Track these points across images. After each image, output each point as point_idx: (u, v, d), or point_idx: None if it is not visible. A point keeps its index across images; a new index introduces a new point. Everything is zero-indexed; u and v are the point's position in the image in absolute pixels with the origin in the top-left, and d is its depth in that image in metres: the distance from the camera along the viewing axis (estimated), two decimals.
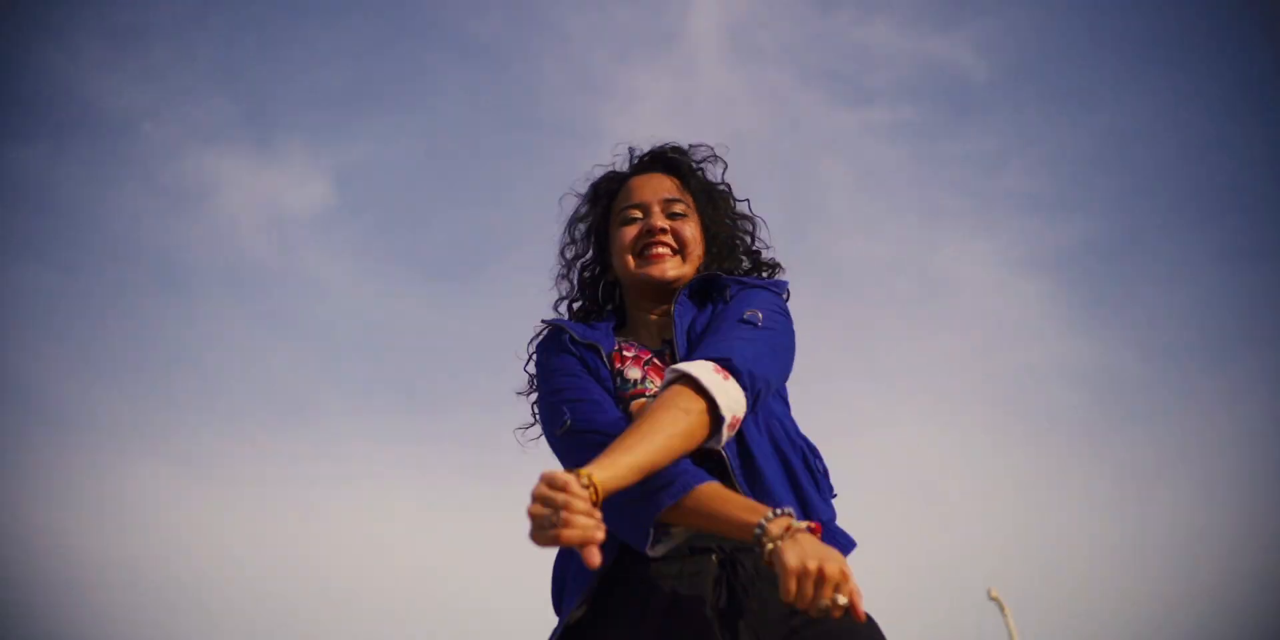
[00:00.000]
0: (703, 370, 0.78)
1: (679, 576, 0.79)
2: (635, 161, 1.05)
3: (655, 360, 0.92)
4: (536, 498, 0.66)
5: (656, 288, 0.96)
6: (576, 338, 0.93)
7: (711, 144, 1.05)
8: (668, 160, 1.03)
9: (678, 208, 0.98)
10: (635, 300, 0.99)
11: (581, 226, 1.04)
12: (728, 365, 0.80)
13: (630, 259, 0.97)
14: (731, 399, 0.78)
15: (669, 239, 0.96)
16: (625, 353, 0.92)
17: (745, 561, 0.79)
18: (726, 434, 0.79)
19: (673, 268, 0.96)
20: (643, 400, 0.87)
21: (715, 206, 1.01)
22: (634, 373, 0.90)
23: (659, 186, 1.00)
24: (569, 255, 1.04)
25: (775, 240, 1.05)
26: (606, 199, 1.03)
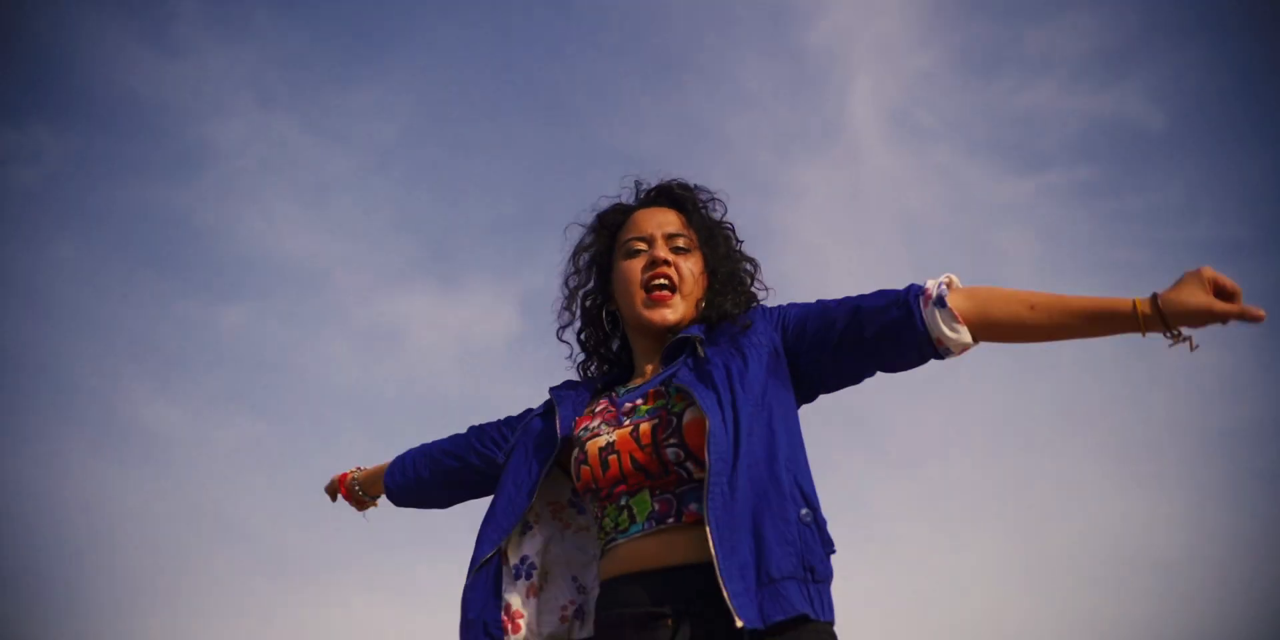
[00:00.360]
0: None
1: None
2: (641, 195, 1.07)
3: (614, 407, 0.94)
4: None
5: (658, 329, 0.97)
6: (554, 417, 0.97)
7: (713, 190, 1.06)
8: (673, 195, 1.04)
9: (681, 242, 0.99)
10: (635, 335, 1.01)
11: (585, 256, 1.05)
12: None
13: (637, 294, 0.97)
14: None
15: (671, 272, 0.97)
16: (593, 411, 0.95)
17: (698, 626, 0.76)
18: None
19: (672, 312, 0.96)
20: (599, 440, 0.89)
21: (716, 244, 1.01)
22: (594, 422, 0.93)
23: (663, 220, 1.01)
24: (572, 284, 1.06)
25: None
26: (611, 230, 1.05)
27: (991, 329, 0.81)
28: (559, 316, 1.07)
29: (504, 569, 0.91)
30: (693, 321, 0.97)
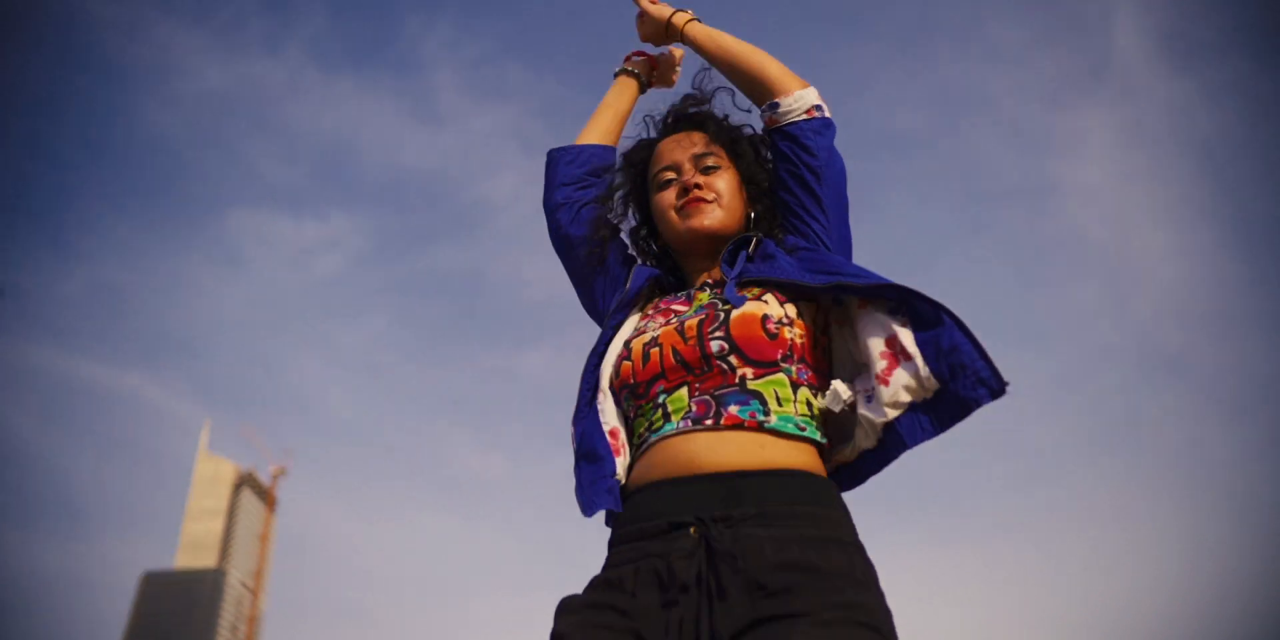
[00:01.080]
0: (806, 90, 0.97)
1: (660, 555, 0.74)
2: (660, 125, 1.05)
3: (674, 307, 0.92)
4: None
5: (704, 242, 0.96)
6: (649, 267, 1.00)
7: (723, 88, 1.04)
8: (691, 117, 1.03)
9: (709, 161, 0.97)
10: (687, 261, 0.99)
11: (619, 194, 1.04)
12: (821, 110, 0.96)
13: (673, 216, 0.96)
14: (806, 96, 0.95)
15: (705, 194, 0.95)
16: (645, 312, 0.95)
17: (723, 533, 0.74)
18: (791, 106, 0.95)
19: (711, 217, 0.94)
20: (644, 337, 0.87)
21: (744, 152, 0.99)
22: (644, 322, 0.92)
23: (687, 144, 0.99)
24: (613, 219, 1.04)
25: None
26: (640, 167, 1.03)
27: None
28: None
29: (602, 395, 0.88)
30: (743, 233, 0.96)
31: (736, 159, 0.99)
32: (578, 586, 0.78)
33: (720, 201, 0.95)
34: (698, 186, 0.95)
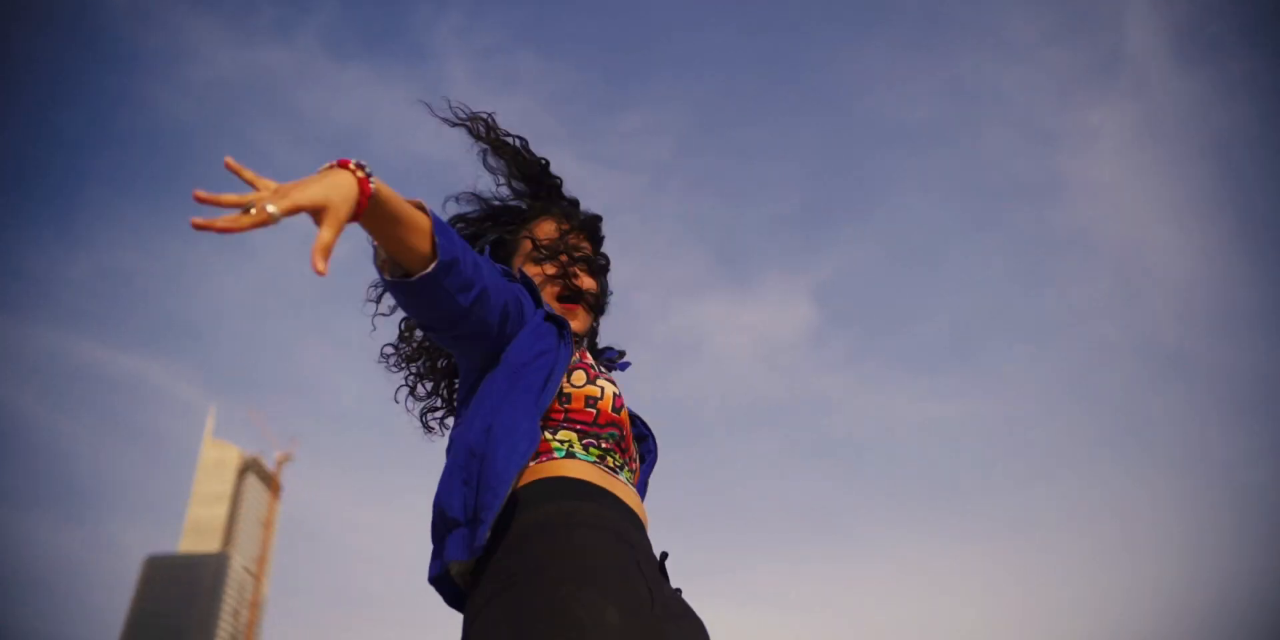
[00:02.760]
0: None
1: (632, 544, 0.80)
2: (567, 201, 1.06)
3: (587, 364, 0.93)
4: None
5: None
6: (546, 307, 0.92)
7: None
8: (595, 225, 1.05)
9: (596, 265, 1.02)
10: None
11: (491, 225, 1.04)
12: None
13: (552, 303, 0.98)
14: None
15: (590, 299, 1.00)
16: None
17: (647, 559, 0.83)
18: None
19: (583, 324, 0.99)
20: (609, 386, 0.91)
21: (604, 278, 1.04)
22: (583, 369, 0.91)
23: (581, 241, 1.03)
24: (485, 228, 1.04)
25: None
26: (514, 219, 1.04)
27: None
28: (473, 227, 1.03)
29: None
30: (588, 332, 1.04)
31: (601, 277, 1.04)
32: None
33: (594, 311, 1.02)
34: (589, 287, 0.99)
